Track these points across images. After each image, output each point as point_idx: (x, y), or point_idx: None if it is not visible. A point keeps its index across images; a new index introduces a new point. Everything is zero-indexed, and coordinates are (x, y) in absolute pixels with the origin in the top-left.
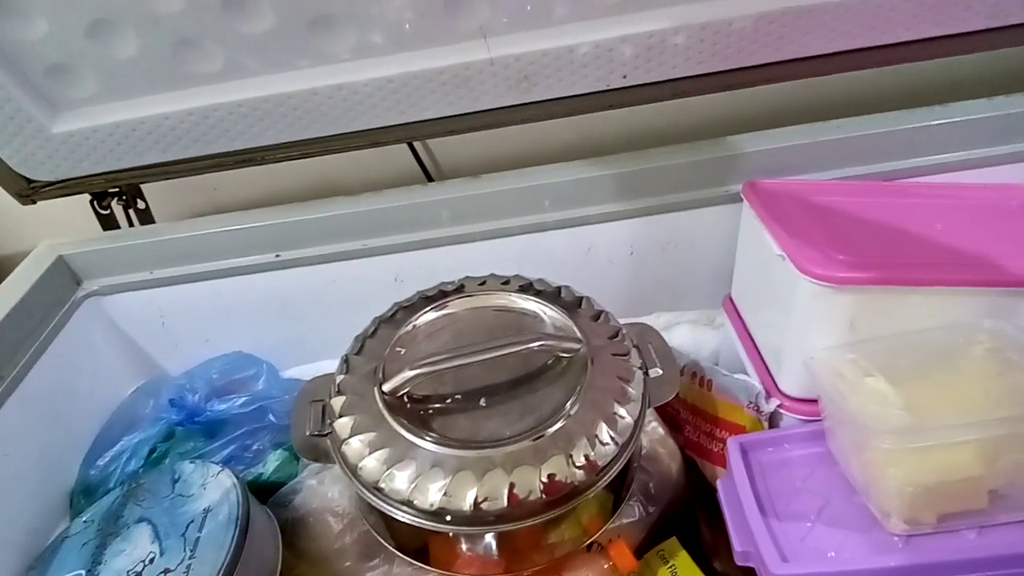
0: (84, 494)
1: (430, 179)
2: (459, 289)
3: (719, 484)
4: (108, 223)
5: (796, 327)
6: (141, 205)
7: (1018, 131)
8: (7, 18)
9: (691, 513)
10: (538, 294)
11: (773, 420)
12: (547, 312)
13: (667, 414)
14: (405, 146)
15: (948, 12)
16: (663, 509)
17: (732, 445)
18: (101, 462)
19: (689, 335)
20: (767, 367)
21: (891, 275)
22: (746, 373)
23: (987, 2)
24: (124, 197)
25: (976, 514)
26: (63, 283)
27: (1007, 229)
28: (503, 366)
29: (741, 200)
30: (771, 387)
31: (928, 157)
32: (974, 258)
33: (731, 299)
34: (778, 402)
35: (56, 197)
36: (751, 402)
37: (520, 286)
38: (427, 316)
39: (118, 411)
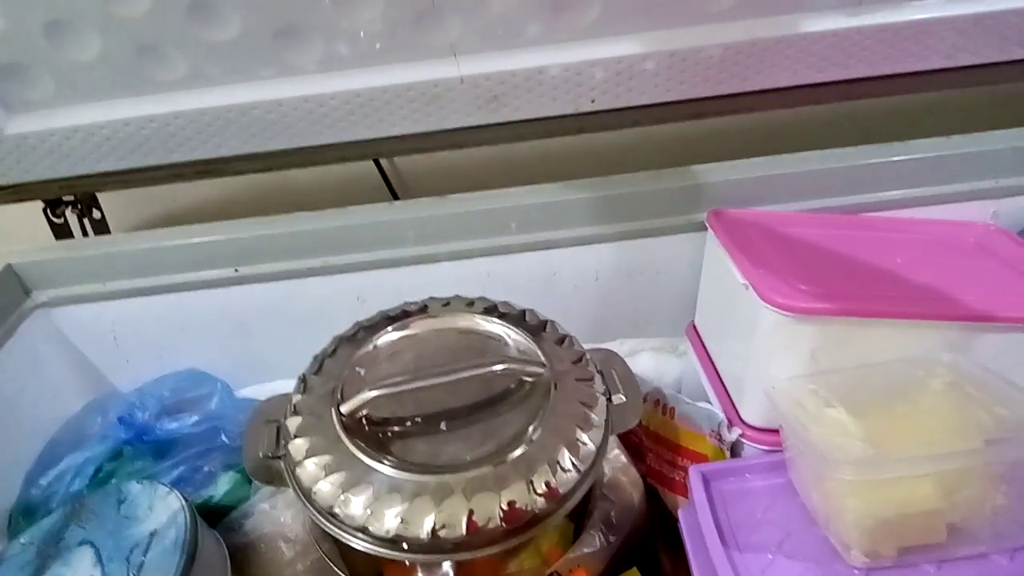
0: (24, 514)
1: (396, 197)
2: (422, 309)
3: (680, 514)
4: (61, 232)
5: (758, 356)
6: (96, 215)
7: (975, 170)
8: None
9: (652, 543)
10: (502, 317)
11: (735, 449)
12: (511, 335)
13: (629, 442)
14: (371, 163)
15: (908, 50)
16: (624, 539)
17: (694, 474)
18: (44, 481)
19: (652, 362)
20: (730, 396)
21: (852, 306)
22: (709, 402)
23: (944, 43)
24: (79, 206)
25: (935, 548)
26: (11, 293)
27: (965, 265)
28: (465, 389)
29: (706, 229)
30: (733, 416)
31: (890, 192)
32: (933, 292)
33: (695, 327)
34: (740, 431)
35: (7, 203)
36: (713, 431)
37: (484, 308)
38: (389, 336)
39: (64, 428)
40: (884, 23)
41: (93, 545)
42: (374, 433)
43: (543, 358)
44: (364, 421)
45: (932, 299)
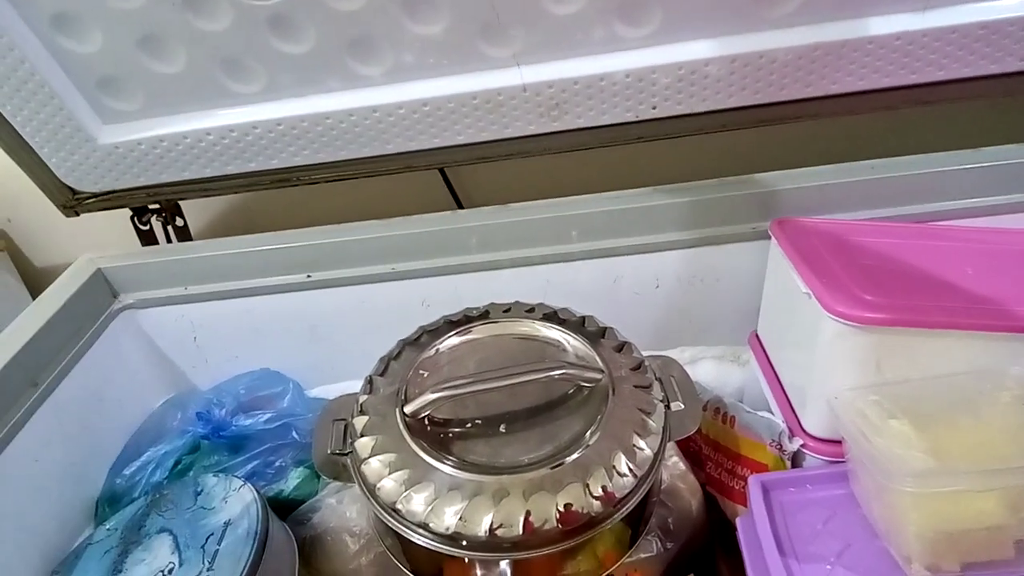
0: (109, 502)
1: (460, 206)
2: (484, 315)
3: (738, 522)
4: (147, 239)
5: (820, 366)
6: (180, 222)
7: None
8: (65, 31)
9: (710, 551)
10: (562, 323)
11: (796, 460)
12: (570, 341)
13: (689, 450)
14: (436, 172)
15: (980, 53)
16: (682, 545)
17: (753, 483)
18: (127, 471)
19: (714, 370)
20: (791, 406)
21: (917, 317)
22: (770, 411)
23: (1019, 44)
24: (164, 213)
25: (1001, 564)
26: (100, 295)
27: None
28: (524, 393)
29: (769, 237)
30: (795, 426)
31: (960, 201)
32: (1004, 303)
33: (757, 336)
34: (801, 441)
35: (98, 210)
36: (774, 440)
37: (544, 314)
38: (451, 340)
39: (146, 422)
40: (953, 24)
41: (172, 533)
42: (436, 433)
43: (601, 364)
44: (427, 422)
45: (1002, 310)
